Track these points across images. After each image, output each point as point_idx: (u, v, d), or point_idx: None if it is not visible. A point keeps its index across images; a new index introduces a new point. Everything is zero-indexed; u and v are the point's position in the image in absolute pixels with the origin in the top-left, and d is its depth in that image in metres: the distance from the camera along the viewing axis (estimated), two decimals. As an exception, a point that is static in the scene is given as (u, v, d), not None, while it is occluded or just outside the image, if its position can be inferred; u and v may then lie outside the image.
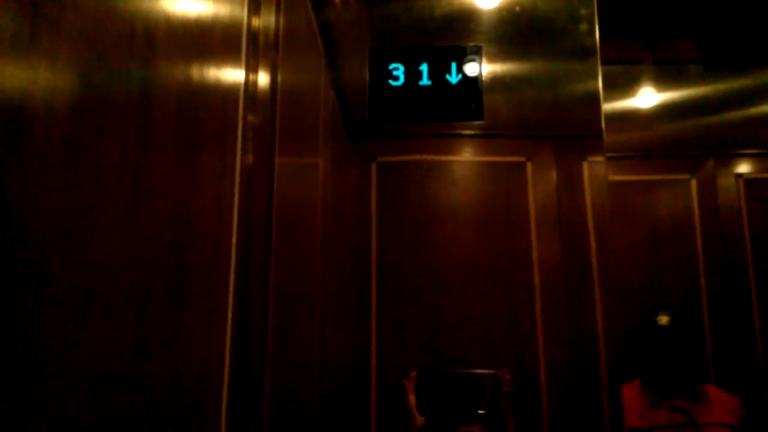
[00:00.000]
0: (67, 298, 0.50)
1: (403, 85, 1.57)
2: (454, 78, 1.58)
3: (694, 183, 2.13)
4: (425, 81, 1.57)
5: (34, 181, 0.47)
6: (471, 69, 1.58)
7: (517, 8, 1.64)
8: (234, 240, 0.99)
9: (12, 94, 0.45)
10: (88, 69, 0.55)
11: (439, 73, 1.58)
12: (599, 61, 1.62)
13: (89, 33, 0.55)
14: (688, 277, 2.06)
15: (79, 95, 0.53)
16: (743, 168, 2.13)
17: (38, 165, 0.47)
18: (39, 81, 0.48)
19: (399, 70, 1.57)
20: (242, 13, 1.05)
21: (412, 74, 1.58)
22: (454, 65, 1.58)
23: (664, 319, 1.65)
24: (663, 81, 2.16)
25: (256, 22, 1.14)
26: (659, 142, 2.17)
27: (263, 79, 1.17)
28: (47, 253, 0.48)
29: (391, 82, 1.58)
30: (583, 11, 1.63)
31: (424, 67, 1.58)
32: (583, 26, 1.62)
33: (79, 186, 0.52)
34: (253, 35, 1.12)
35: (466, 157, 2.06)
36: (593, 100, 1.67)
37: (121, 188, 0.60)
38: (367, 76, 1.60)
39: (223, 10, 0.95)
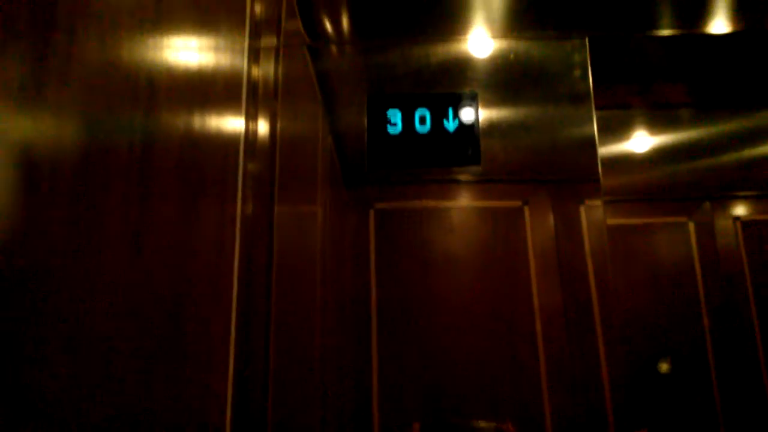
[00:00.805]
0: (68, 348, 0.49)
1: (401, 131, 1.58)
2: (451, 124, 1.60)
3: (692, 226, 2.13)
4: (423, 127, 1.59)
5: (39, 231, 0.46)
6: (468, 115, 1.60)
7: (511, 56, 1.66)
8: (235, 292, 0.97)
9: (19, 143, 0.44)
10: (93, 119, 0.55)
11: (436, 119, 1.59)
12: (593, 106, 1.64)
13: (94, 84, 0.55)
14: (691, 320, 2.04)
15: (84, 145, 0.53)
16: (740, 210, 2.14)
17: (44, 215, 0.46)
18: (45, 131, 0.47)
19: (396, 117, 1.59)
20: (242, 62, 1.06)
21: (410, 121, 1.59)
22: (451, 111, 1.60)
23: (664, 367, 1.63)
24: (656, 125, 2.18)
25: (255, 71, 1.15)
26: (655, 185, 2.18)
27: (263, 127, 1.18)
28: (51, 304, 0.47)
29: (389, 128, 1.59)
30: (576, 58, 1.65)
31: (421, 114, 1.59)
32: (577, 72, 1.64)
33: (83, 236, 0.51)
34: (253, 84, 1.13)
35: (463, 202, 2.06)
36: (589, 145, 1.68)
37: (123, 238, 0.59)
38: (364, 122, 1.62)
39: (224, 60, 0.95)
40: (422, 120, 1.60)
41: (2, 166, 0.42)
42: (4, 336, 0.41)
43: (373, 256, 2.05)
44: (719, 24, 1.73)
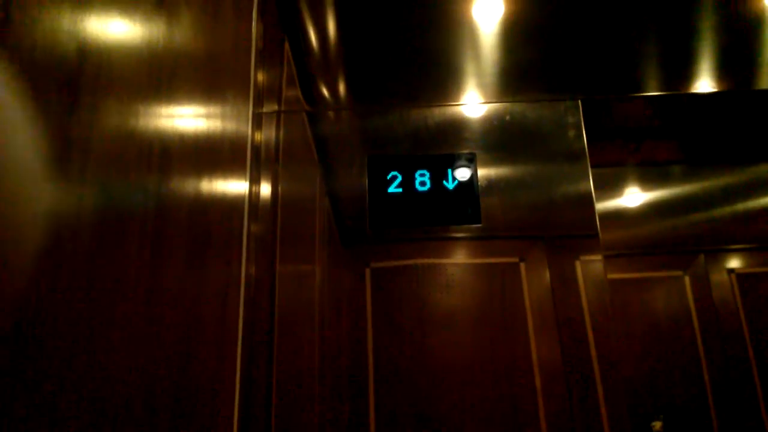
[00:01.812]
0: (83, 407, 0.49)
1: (402, 192, 1.61)
2: (450, 184, 1.62)
3: (687, 279, 2.15)
4: (423, 187, 1.61)
5: (61, 291, 0.46)
6: (467, 174, 1.63)
7: (507, 117, 1.71)
8: (239, 351, 0.97)
9: (45, 210, 0.45)
10: (111, 185, 0.56)
11: (436, 179, 1.62)
12: (589, 164, 1.67)
13: (112, 152, 0.57)
14: (690, 375, 2.03)
15: (103, 209, 0.54)
16: (734, 263, 2.16)
17: (66, 276, 0.47)
18: (68, 198, 0.48)
19: (397, 178, 1.62)
20: (247, 128, 1.08)
21: (410, 181, 1.62)
22: (450, 172, 1.63)
23: (657, 425, 1.62)
24: (649, 181, 2.22)
25: (258, 136, 1.17)
26: (650, 239, 2.21)
27: (265, 189, 1.20)
28: (68, 364, 0.47)
29: (389, 189, 1.61)
30: (570, 118, 1.70)
31: (421, 174, 1.62)
32: (571, 132, 1.69)
33: (99, 295, 0.52)
34: (256, 148, 1.15)
35: (460, 259, 2.07)
36: (586, 201, 1.71)
37: (136, 297, 0.60)
38: (363, 183, 1.64)
39: (230, 126, 0.98)
40: (422, 180, 1.63)
41: (31, 230, 0.43)
42: (24, 388, 0.41)
43: (369, 314, 2.05)
44: (704, 84, 1.79)
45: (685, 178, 2.23)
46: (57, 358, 0.45)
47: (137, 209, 0.63)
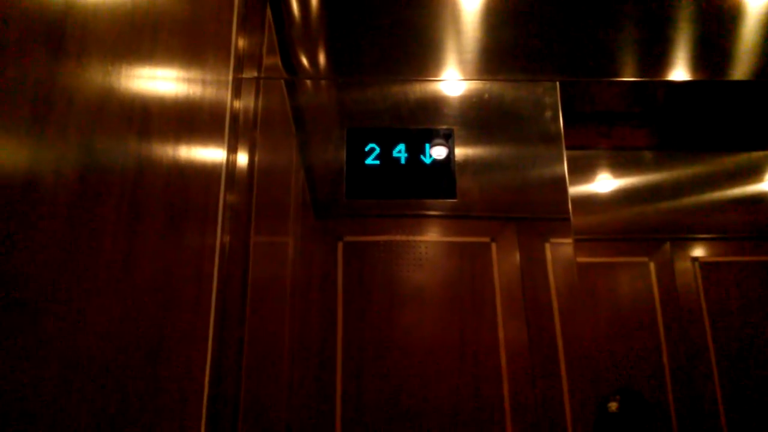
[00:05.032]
0: (61, 359, 0.49)
1: (379, 164, 1.61)
2: (427, 158, 1.63)
3: (652, 265, 2.19)
4: (400, 161, 1.62)
5: (40, 245, 0.46)
6: (444, 149, 1.63)
7: (486, 95, 1.71)
8: (212, 319, 0.97)
9: (25, 164, 0.44)
10: (92, 143, 0.55)
11: (413, 153, 1.63)
12: (564, 147, 1.69)
13: (94, 109, 0.56)
14: (651, 357, 2.09)
15: (83, 167, 0.53)
16: (698, 252, 2.21)
17: (42, 235, 0.46)
18: (49, 154, 0.47)
19: (375, 150, 1.62)
20: (226, 94, 1.07)
21: (388, 154, 1.62)
22: (427, 146, 1.63)
23: (613, 406, 1.66)
24: (620, 167, 2.26)
25: (237, 103, 1.16)
26: (618, 225, 2.24)
27: (242, 158, 1.18)
28: (48, 315, 0.46)
29: (367, 161, 1.61)
30: (548, 99, 1.71)
31: (398, 148, 1.63)
32: (548, 113, 1.70)
33: (78, 250, 0.51)
34: (235, 116, 1.14)
35: (432, 236, 2.08)
36: (559, 184, 1.73)
37: (114, 255, 0.59)
38: (340, 155, 1.64)
39: (210, 91, 0.96)
40: (399, 154, 1.63)
41: (8, 184, 0.42)
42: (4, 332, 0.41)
43: (340, 289, 2.05)
44: (680, 73, 1.82)
45: (654, 165, 2.27)
46: (28, 315, 0.45)
47: (117, 170, 0.62)
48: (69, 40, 0.49)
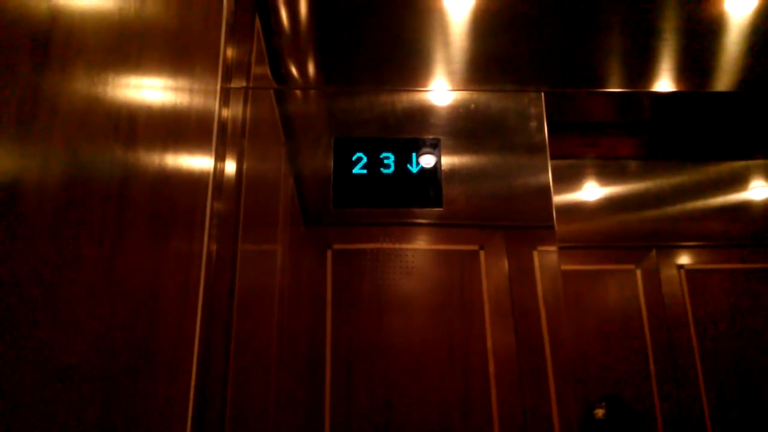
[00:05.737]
0: (44, 366, 0.49)
1: (366, 173, 1.63)
2: (414, 167, 1.65)
3: (639, 273, 2.22)
4: (387, 170, 1.63)
5: (22, 253, 0.46)
6: (431, 159, 1.65)
7: (472, 105, 1.73)
8: (198, 325, 0.97)
9: (8, 173, 0.45)
10: (77, 151, 0.56)
11: (400, 162, 1.65)
12: (549, 156, 1.71)
13: (80, 116, 0.57)
14: (637, 364, 2.10)
15: (68, 173, 0.54)
16: (684, 259, 2.23)
17: (27, 238, 0.47)
18: (34, 159, 0.48)
19: (362, 160, 1.63)
20: (214, 103, 1.08)
21: (375, 163, 1.64)
22: (414, 155, 1.65)
23: (599, 413, 1.67)
24: (606, 176, 2.29)
25: (225, 112, 1.17)
26: (605, 233, 2.27)
27: (230, 166, 1.19)
28: (30, 323, 0.47)
29: (354, 170, 1.63)
30: (533, 110, 1.73)
31: (386, 157, 1.64)
32: (533, 123, 1.72)
33: (61, 258, 0.52)
34: (223, 125, 1.15)
35: (421, 245, 2.09)
36: (544, 193, 1.75)
37: (98, 262, 0.60)
38: (328, 164, 1.65)
39: (197, 100, 0.97)
40: (387, 163, 1.65)
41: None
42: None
43: (329, 296, 2.05)
44: (664, 84, 1.84)
45: (640, 174, 2.30)
46: (11, 320, 0.46)
47: (102, 177, 0.63)
48: (54, 48, 0.50)
